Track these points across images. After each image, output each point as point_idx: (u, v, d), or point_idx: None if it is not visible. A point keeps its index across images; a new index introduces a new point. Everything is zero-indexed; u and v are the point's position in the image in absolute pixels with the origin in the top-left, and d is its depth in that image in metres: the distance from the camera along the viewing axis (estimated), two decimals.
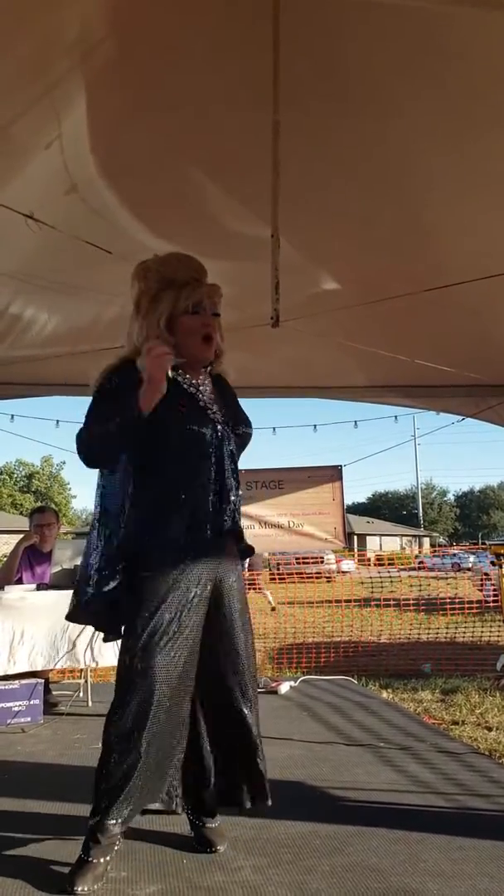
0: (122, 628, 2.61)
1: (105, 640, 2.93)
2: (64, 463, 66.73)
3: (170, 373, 2.51)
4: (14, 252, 3.82)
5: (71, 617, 2.79)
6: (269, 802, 2.68)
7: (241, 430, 2.75)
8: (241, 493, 2.73)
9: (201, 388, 2.68)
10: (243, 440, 2.80)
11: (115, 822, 2.45)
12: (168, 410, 2.54)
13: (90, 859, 2.45)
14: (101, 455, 2.61)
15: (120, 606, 2.61)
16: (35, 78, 2.77)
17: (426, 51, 2.73)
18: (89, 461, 2.58)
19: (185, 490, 2.56)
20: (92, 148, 3.18)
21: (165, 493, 2.57)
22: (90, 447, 2.57)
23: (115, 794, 2.44)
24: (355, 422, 7.46)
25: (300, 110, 2.94)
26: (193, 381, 2.67)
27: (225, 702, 2.63)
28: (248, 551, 2.86)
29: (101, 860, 2.46)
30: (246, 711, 2.63)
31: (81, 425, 2.59)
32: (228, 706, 2.63)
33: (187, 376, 2.66)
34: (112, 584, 2.57)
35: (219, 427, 2.64)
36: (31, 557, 5.43)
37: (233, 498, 2.66)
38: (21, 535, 5.56)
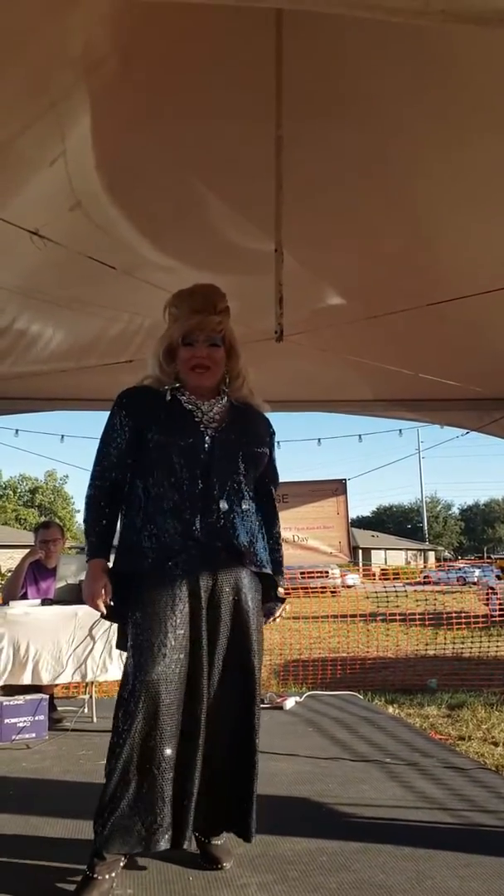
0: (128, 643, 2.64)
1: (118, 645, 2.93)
2: (67, 477, 67.00)
3: (168, 396, 2.75)
4: (19, 268, 3.84)
5: None
6: (251, 840, 2.63)
7: (247, 447, 2.78)
8: (247, 507, 2.74)
9: (204, 406, 2.76)
10: (253, 458, 2.80)
11: (120, 840, 2.43)
12: (153, 428, 2.69)
13: (95, 876, 2.43)
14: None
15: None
16: (39, 93, 2.79)
17: (428, 63, 2.75)
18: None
19: (167, 499, 2.64)
20: (96, 163, 3.20)
21: (152, 501, 2.66)
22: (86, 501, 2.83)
23: (119, 811, 2.43)
24: (360, 435, 7.47)
25: (303, 124, 2.96)
26: (197, 402, 2.77)
27: (226, 724, 2.62)
28: (275, 596, 2.89)
29: (107, 877, 2.45)
30: (249, 726, 2.63)
31: (92, 468, 2.81)
32: (230, 727, 2.62)
33: (192, 396, 2.77)
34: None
35: (207, 440, 2.70)
36: (35, 573, 5.42)
37: (223, 506, 2.66)
38: (26, 550, 5.56)
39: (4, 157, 3.04)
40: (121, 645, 2.84)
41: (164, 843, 2.46)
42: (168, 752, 2.48)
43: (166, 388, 2.76)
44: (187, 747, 2.53)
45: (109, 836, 2.43)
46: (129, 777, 2.45)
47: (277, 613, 2.93)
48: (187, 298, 2.77)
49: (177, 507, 2.63)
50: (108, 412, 2.82)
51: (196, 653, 2.56)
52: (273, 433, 3.00)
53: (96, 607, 2.65)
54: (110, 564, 2.72)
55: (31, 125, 2.92)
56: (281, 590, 2.92)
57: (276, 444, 3.02)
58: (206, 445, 2.69)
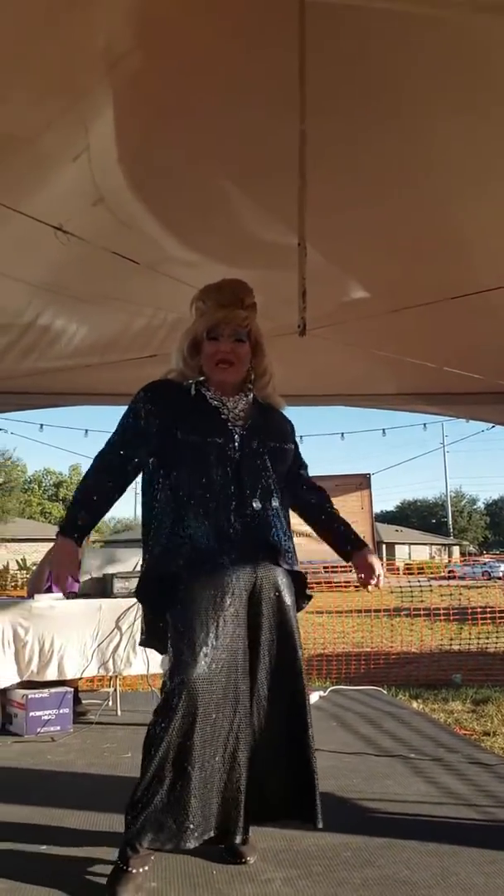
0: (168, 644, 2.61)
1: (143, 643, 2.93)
2: None
3: (192, 390, 2.72)
4: (43, 264, 3.86)
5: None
6: (320, 825, 2.64)
7: (273, 444, 2.77)
8: (277, 505, 2.72)
9: (229, 403, 2.74)
10: (281, 455, 2.81)
11: (152, 834, 2.41)
12: (179, 424, 2.66)
13: (129, 869, 2.42)
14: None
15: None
16: (62, 89, 2.80)
17: (453, 54, 2.73)
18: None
19: (199, 498, 2.61)
20: (119, 158, 3.20)
21: (183, 501, 2.63)
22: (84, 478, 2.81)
23: (152, 807, 2.41)
24: (383, 430, 7.46)
25: (327, 118, 2.94)
26: (222, 398, 2.75)
27: (277, 725, 2.61)
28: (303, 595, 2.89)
29: (140, 870, 2.44)
30: (305, 728, 2.64)
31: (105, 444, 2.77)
32: (281, 728, 2.62)
33: (217, 392, 2.75)
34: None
35: (236, 438, 2.69)
36: None
37: (256, 506, 2.65)
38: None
39: (28, 153, 3.05)
40: (146, 643, 2.85)
41: (192, 842, 2.43)
42: (207, 752, 2.45)
43: (190, 382, 2.74)
44: (233, 748, 2.51)
45: (141, 830, 2.41)
46: (164, 774, 2.42)
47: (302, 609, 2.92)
48: (214, 293, 2.74)
49: (210, 508, 2.60)
50: (127, 408, 2.78)
51: (240, 654, 2.55)
52: (294, 428, 3.00)
53: (63, 588, 2.71)
54: (137, 566, 2.70)
55: (55, 121, 2.93)
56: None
57: (297, 438, 3.03)
58: (237, 444, 2.68)
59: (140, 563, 2.77)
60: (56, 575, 2.72)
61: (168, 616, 2.59)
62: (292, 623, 2.68)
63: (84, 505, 2.71)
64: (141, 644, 2.93)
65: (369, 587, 2.88)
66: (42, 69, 2.68)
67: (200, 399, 2.73)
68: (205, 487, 2.62)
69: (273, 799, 2.64)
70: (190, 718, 2.43)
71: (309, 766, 2.64)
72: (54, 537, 2.76)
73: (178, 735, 2.43)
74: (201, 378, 2.76)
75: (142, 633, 2.88)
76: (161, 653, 2.82)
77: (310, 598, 2.95)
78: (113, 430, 2.77)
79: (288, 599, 2.68)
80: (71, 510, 2.73)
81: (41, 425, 6.61)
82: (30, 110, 2.85)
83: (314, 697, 5.65)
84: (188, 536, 2.59)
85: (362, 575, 2.89)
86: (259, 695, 2.60)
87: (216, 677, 2.47)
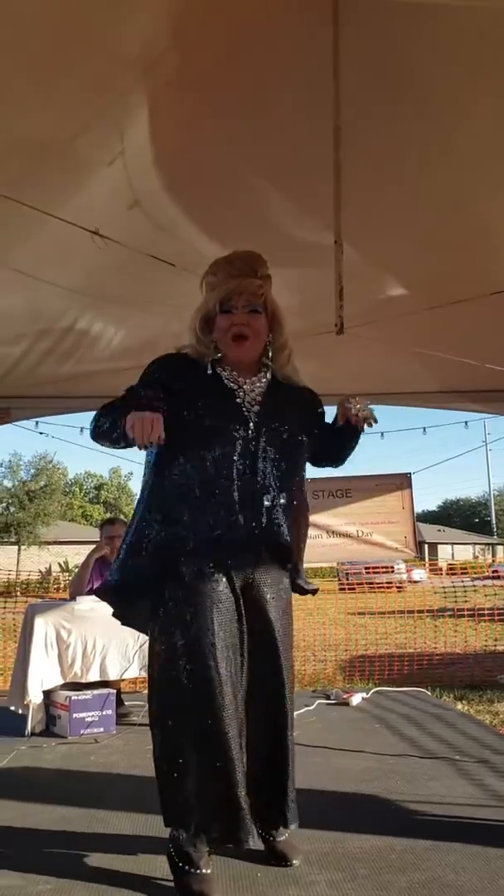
0: (157, 635, 2.55)
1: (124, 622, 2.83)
2: (132, 474, 67.89)
3: (209, 369, 2.57)
4: (80, 268, 3.89)
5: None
6: (292, 826, 2.62)
7: (287, 436, 2.63)
8: (284, 502, 2.61)
9: (246, 386, 2.62)
10: (293, 449, 2.67)
11: (205, 836, 2.42)
12: (191, 405, 2.53)
13: (204, 870, 2.42)
14: (99, 438, 2.60)
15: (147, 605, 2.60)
16: (98, 94, 2.81)
17: (488, 46, 2.69)
18: (92, 437, 2.62)
19: (204, 486, 2.51)
20: (154, 161, 3.21)
21: (183, 487, 2.52)
22: (94, 425, 2.58)
23: (197, 811, 2.40)
24: (424, 428, 7.38)
25: (362, 115, 2.93)
26: (239, 379, 2.62)
27: (262, 714, 2.57)
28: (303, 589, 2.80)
29: (209, 871, 2.44)
30: (282, 723, 2.60)
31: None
32: (265, 719, 2.58)
33: (234, 373, 2.62)
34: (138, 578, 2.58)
35: (250, 426, 2.56)
36: (101, 568, 5.49)
37: (266, 503, 2.55)
38: (91, 546, 5.64)
39: (65, 158, 3.08)
40: (126, 621, 2.76)
41: (246, 841, 2.38)
42: (225, 748, 2.41)
43: (208, 359, 2.60)
44: (236, 746, 2.47)
45: (196, 833, 2.41)
46: (205, 777, 2.40)
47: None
48: (224, 265, 2.63)
49: (215, 501, 2.50)
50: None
51: (240, 651, 2.51)
52: (317, 400, 2.85)
53: (145, 440, 2.32)
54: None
55: (91, 126, 2.95)
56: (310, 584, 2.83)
57: (322, 409, 2.89)
58: (250, 433, 2.55)
59: (132, 532, 2.61)
60: (136, 423, 2.34)
61: (168, 603, 2.49)
62: (283, 624, 2.62)
63: (146, 390, 2.48)
64: (115, 616, 2.78)
65: (352, 417, 2.68)
66: (78, 73, 2.70)
67: (216, 379, 2.60)
68: (210, 478, 2.50)
69: (270, 802, 2.61)
70: (206, 720, 2.38)
71: (284, 771, 2.60)
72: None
73: (195, 736, 2.40)
74: (218, 355, 2.61)
75: (118, 608, 2.74)
76: (141, 631, 2.74)
77: (315, 590, 2.86)
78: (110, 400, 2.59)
79: (285, 599, 2.64)
80: (132, 395, 2.50)
81: (81, 428, 6.65)
82: (66, 115, 2.87)
83: (357, 699, 5.62)
84: (193, 526, 2.49)
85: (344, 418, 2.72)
86: (252, 693, 2.55)
87: (224, 668, 2.42)
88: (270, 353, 2.68)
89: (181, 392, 2.54)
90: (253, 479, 2.54)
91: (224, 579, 2.51)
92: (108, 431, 2.51)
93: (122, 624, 2.79)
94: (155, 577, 2.54)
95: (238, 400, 2.59)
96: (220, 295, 2.58)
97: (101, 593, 2.71)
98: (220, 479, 2.51)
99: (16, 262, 3.73)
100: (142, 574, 2.57)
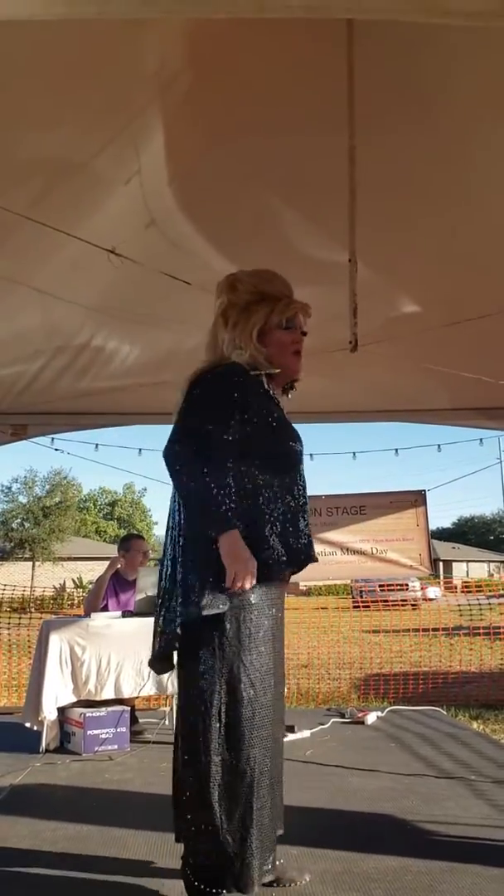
0: (217, 661, 2.38)
1: (159, 670, 2.78)
2: (146, 490, 67.93)
3: (265, 384, 2.51)
4: (97, 286, 3.92)
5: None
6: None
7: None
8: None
9: (280, 404, 2.62)
10: None
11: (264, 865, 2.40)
12: (266, 421, 2.48)
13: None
14: (175, 475, 2.44)
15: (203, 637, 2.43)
16: (115, 113, 2.85)
17: (501, 65, 2.70)
18: (170, 465, 2.46)
19: (279, 507, 2.45)
20: (170, 180, 3.24)
21: (261, 509, 2.42)
22: (182, 463, 2.42)
23: (253, 835, 2.35)
24: (438, 445, 7.35)
25: (377, 133, 2.94)
26: (279, 396, 2.62)
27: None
28: None
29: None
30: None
31: (188, 434, 2.45)
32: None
33: (276, 391, 2.61)
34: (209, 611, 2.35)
35: (302, 444, 2.60)
36: (116, 585, 5.49)
37: (307, 521, 2.55)
38: (105, 563, 5.65)
39: (82, 177, 3.11)
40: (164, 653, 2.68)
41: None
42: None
43: (264, 373, 2.52)
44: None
45: (253, 869, 2.35)
46: (263, 812, 2.37)
47: None
48: (274, 280, 2.62)
49: (287, 519, 2.45)
50: (216, 388, 2.46)
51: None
52: None
53: (243, 586, 2.27)
54: None
55: (108, 145, 2.98)
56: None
57: None
58: (302, 450, 2.59)
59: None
60: (240, 572, 2.29)
61: (237, 628, 2.36)
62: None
63: (229, 496, 2.33)
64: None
65: None
66: (96, 92, 2.73)
67: (270, 393, 2.55)
68: (283, 497, 2.46)
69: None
70: (267, 751, 2.38)
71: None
72: (216, 539, 2.31)
73: (259, 768, 2.36)
74: (277, 370, 2.54)
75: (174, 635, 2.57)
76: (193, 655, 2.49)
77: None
78: (200, 416, 2.44)
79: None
80: (214, 503, 2.30)
81: (96, 445, 6.68)
82: (84, 134, 2.90)
83: (371, 718, 5.58)
84: (271, 546, 2.39)
85: None
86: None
87: (278, 696, 2.45)
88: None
89: (258, 410, 2.47)
90: (305, 500, 2.55)
91: (279, 600, 2.52)
92: (187, 486, 2.39)
93: None
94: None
95: (287, 418, 2.59)
96: (290, 312, 2.58)
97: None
98: (287, 500, 2.47)
99: (34, 280, 3.76)
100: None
